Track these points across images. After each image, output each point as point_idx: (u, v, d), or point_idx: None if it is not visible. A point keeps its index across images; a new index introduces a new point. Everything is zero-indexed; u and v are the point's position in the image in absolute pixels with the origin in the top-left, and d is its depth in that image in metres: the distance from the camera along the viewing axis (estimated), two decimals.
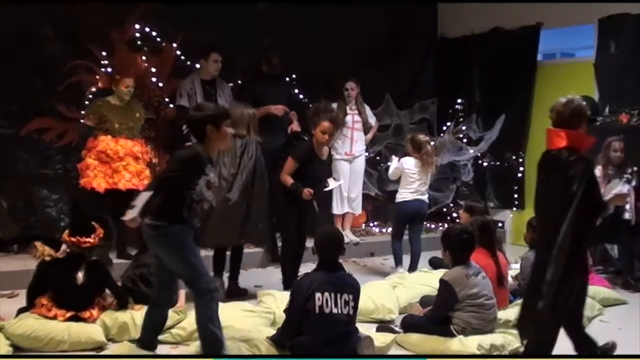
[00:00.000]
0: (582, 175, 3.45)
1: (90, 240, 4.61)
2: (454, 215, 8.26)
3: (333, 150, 6.65)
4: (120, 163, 6.17)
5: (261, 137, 5.69)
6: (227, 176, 5.42)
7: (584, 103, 3.72)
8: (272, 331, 4.38)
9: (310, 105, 6.86)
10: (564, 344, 4.73)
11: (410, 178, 6.46)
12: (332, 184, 5.94)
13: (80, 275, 4.55)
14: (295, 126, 6.92)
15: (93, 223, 4.73)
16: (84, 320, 4.49)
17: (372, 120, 7.74)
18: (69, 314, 4.45)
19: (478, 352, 4.25)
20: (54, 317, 4.44)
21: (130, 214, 3.73)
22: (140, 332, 4.24)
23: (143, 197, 3.78)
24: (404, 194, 6.50)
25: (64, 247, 4.83)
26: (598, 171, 6.11)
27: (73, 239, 4.59)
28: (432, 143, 6.92)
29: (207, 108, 4.11)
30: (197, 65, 6.76)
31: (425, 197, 6.58)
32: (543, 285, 3.44)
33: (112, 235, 4.76)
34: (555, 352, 4.55)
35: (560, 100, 3.70)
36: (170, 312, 4.59)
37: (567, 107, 3.65)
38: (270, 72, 7.01)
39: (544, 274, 3.46)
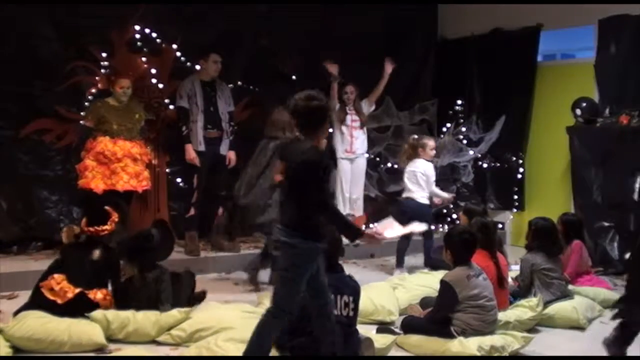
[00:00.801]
0: None
1: (107, 227, 4.87)
2: (454, 216, 8.25)
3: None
4: (118, 164, 6.16)
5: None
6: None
7: None
8: None
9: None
10: (564, 345, 4.76)
11: (403, 178, 6.81)
12: None
13: (97, 252, 4.79)
14: None
15: (106, 208, 4.94)
16: (90, 301, 4.56)
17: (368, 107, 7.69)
18: (77, 290, 4.54)
19: (478, 354, 4.24)
20: (61, 291, 4.52)
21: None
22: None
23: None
24: (401, 194, 6.90)
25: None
26: None
27: (92, 229, 4.83)
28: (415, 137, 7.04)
29: (323, 98, 3.53)
30: (197, 67, 6.77)
31: (416, 195, 6.68)
32: None
33: (127, 218, 5.04)
34: (556, 353, 4.57)
35: None
36: (174, 312, 4.60)
37: None
38: (286, 73, 7.06)
39: None
